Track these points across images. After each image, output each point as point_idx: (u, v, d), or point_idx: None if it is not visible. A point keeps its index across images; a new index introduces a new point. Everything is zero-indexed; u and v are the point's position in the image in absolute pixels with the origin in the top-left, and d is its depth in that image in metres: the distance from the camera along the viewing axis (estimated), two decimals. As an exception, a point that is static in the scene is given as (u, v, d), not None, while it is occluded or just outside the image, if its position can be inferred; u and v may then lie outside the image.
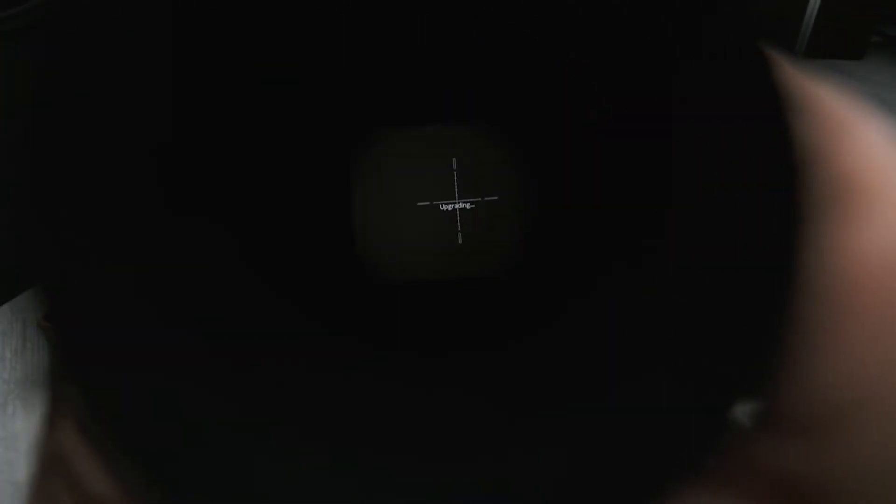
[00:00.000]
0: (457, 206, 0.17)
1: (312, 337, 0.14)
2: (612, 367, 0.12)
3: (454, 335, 0.16)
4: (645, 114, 0.13)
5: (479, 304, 0.17)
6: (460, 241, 0.17)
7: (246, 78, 0.14)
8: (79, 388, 0.10)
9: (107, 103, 0.11)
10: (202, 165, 0.13)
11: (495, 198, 0.17)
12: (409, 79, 0.15)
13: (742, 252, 0.10)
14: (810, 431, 0.10)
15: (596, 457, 0.11)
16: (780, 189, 0.10)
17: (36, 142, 0.10)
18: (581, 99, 0.14)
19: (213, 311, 0.12)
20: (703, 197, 0.11)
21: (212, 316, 0.12)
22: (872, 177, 0.10)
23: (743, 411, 0.10)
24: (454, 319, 0.16)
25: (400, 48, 0.15)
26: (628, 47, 0.13)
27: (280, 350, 0.13)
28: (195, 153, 0.13)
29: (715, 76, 0.10)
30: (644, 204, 0.13)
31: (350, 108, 0.16)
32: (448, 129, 0.16)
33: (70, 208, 0.10)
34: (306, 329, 0.14)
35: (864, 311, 0.10)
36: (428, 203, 0.17)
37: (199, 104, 0.13)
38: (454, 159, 0.17)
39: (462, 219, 0.17)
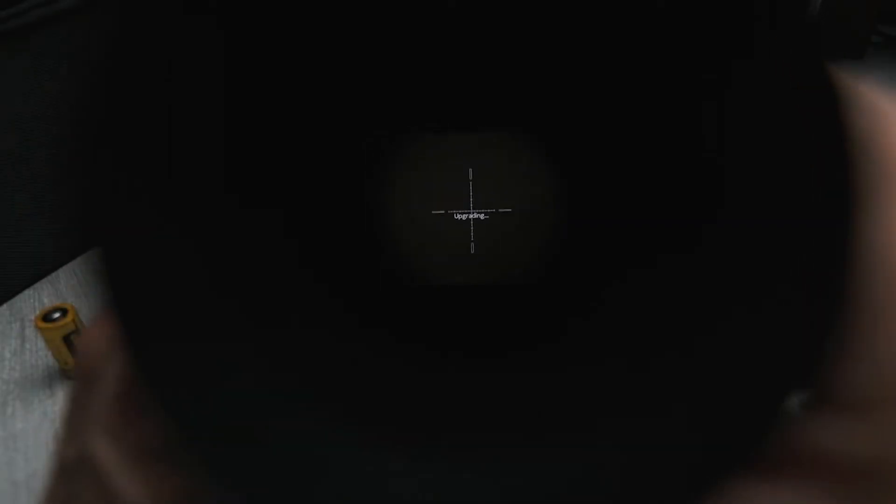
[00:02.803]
0: (471, 216, 0.17)
1: (337, 330, 0.14)
2: (644, 366, 0.12)
3: (462, 340, 0.15)
4: (671, 122, 0.13)
5: (490, 311, 0.17)
6: (472, 251, 0.17)
7: (265, 81, 0.13)
8: (133, 369, 0.10)
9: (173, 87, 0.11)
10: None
11: (510, 210, 0.16)
12: (430, 87, 0.15)
13: (790, 248, 0.10)
14: (866, 413, 0.10)
15: (637, 453, 0.10)
16: (830, 182, 0.09)
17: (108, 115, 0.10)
18: (602, 112, 0.14)
19: (259, 296, 0.12)
20: (745, 194, 0.11)
21: (256, 300, 0.12)
22: None
23: (795, 400, 0.10)
24: (463, 324, 0.16)
25: (420, 57, 0.15)
26: (651, 55, 0.12)
27: (310, 338, 0.13)
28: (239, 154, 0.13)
29: (759, 76, 0.10)
30: (672, 207, 0.12)
31: (368, 116, 0.16)
32: (467, 137, 0.16)
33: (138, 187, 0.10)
34: (329, 321, 0.14)
35: None
36: (442, 212, 0.17)
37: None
38: (470, 169, 0.16)
39: (476, 229, 0.17)
